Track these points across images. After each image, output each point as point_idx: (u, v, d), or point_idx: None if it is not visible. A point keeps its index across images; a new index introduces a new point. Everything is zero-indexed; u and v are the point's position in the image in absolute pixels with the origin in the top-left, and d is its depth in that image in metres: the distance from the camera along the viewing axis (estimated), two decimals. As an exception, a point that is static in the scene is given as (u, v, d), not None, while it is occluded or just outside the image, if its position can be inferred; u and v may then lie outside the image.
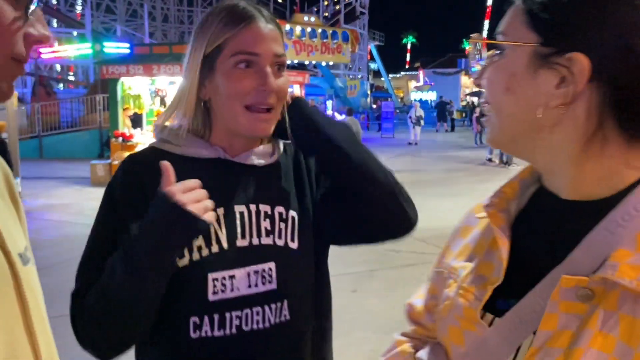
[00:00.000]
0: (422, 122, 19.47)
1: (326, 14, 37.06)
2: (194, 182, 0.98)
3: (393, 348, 0.95)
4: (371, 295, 4.77)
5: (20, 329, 0.66)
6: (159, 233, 0.95)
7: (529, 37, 0.71)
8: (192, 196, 0.96)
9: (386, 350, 0.96)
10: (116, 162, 10.70)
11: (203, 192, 0.98)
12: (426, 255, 5.91)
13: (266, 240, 1.08)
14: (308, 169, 1.20)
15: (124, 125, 11.47)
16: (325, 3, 38.24)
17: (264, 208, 1.10)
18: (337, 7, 37.41)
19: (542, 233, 0.75)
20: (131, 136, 11.01)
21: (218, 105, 1.08)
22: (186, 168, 1.04)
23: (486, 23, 53.52)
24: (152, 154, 1.09)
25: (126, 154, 11.42)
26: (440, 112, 28.46)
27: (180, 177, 0.99)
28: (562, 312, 0.65)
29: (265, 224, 1.09)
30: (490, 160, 14.13)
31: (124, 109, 11.55)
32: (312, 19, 26.73)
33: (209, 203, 0.98)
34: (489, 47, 0.77)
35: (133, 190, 1.06)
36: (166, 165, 0.97)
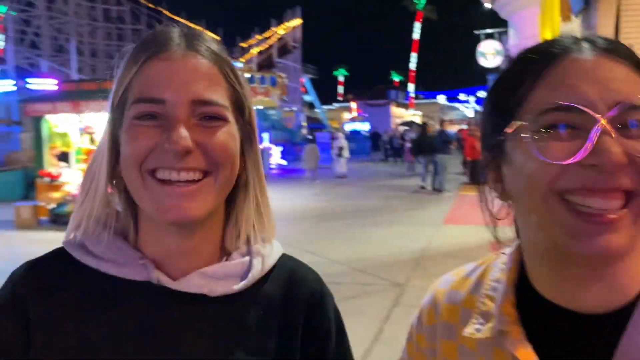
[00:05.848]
0: (344, 154, 18.96)
1: (260, 49, 37.47)
2: None
3: None
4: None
5: None
6: None
7: None
8: None
9: None
10: (42, 204, 10.23)
11: None
12: (367, 286, 5.95)
13: None
14: (308, 318, 0.82)
15: (51, 165, 11.03)
16: (259, 37, 38.67)
17: None
18: (270, 42, 37.94)
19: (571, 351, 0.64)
20: (58, 175, 10.61)
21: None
22: (105, 293, 0.71)
23: (414, 56, 55.72)
24: (58, 263, 0.74)
25: (55, 194, 10.43)
26: (374, 143, 29.29)
27: (93, 310, 0.70)
28: None
29: None
30: (423, 187, 14.54)
31: (51, 148, 11.12)
32: (240, 64, 27.98)
33: None
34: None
35: (12, 318, 0.70)
36: None
